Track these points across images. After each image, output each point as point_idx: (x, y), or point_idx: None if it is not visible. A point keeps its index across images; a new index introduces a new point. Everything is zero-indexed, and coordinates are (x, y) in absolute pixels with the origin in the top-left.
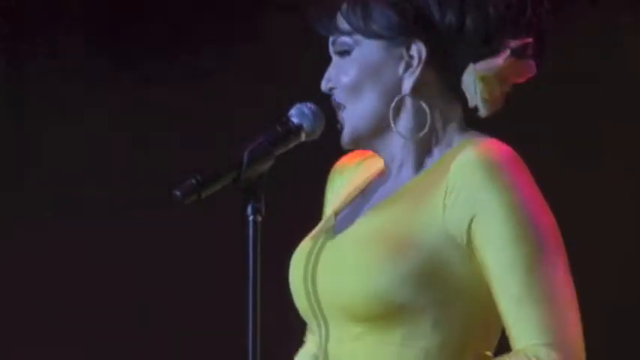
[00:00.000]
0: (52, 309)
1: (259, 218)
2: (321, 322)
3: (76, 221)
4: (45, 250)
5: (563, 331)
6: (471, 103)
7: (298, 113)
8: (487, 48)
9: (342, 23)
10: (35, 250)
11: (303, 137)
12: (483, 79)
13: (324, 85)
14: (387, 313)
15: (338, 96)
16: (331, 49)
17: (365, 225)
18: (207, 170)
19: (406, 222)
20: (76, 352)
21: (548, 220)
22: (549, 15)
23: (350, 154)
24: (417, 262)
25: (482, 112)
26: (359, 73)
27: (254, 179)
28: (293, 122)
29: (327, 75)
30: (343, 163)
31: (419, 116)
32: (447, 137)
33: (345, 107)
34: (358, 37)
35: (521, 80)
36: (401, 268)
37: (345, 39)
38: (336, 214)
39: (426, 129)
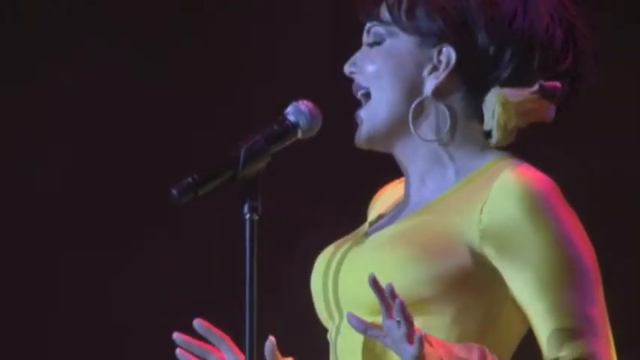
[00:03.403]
0: (43, 309)
1: (256, 217)
2: (336, 317)
3: (72, 220)
4: (40, 251)
5: (602, 358)
6: (487, 126)
7: (295, 111)
8: (518, 79)
9: (384, 12)
10: (27, 250)
11: (299, 135)
12: (504, 105)
13: (347, 69)
14: (409, 307)
15: (359, 80)
16: (364, 38)
17: (394, 229)
18: (204, 169)
19: (436, 229)
20: (72, 352)
21: (590, 254)
22: (592, 69)
23: (386, 185)
24: (439, 268)
25: (494, 139)
26: (385, 62)
27: (250, 177)
28: (290, 120)
29: (352, 59)
30: (382, 190)
31: (439, 120)
32: (472, 150)
33: (367, 95)
34: (395, 29)
35: (536, 120)
36: (423, 272)
37: (380, 30)
38: (371, 224)
39: (446, 129)
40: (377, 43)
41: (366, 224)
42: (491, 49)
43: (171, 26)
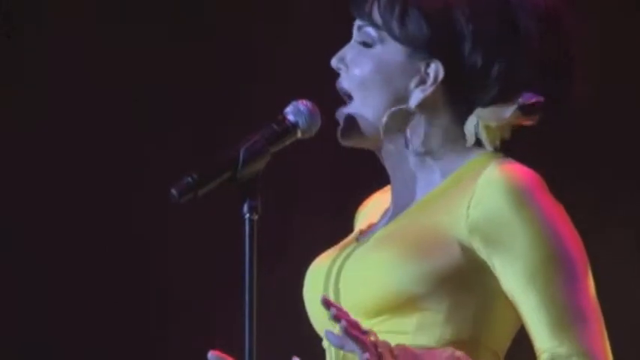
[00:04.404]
0: (44, 310)
1: (255, 216)
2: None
3: (72, 220)
4: (40, 253)
5: (597, 350)
6: (470, 143)
7: (294, 111)
8: (500, 95)
9: (376, 15)
10: (29, 253)
11: (299, 135)
12: (487, 127)
13: (335, 63)
14: (402, 305)
15: (344, 81)
16: (355, 34)
17: (382, 232)
18: (204, 169)
19: (423, 228)
20: (72, 353)
21: (576, 245)
22: (579, 79)
23: (371, 195)
24: (429, 266)
25: (486, 148)
26: (373, 70)
27: (250, 177)
28: (289, 120)
29: (340, 54)
30: (367, 200)
31: (430, 129)
32: (457, 151)
33: (349, 97)
34: (385, 34)
35: (519, 124)
36: (412, 270)
37: (371, 31)
38: (361, 232)
39: (434, 146)
40: (366, 44)
41: (356, 233)
42: (478, 63)
43: (172, 26)
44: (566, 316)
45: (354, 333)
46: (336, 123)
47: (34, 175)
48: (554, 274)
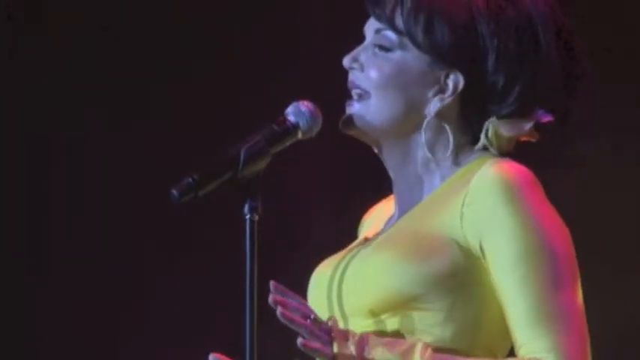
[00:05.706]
0: (47, 312)
1: (256, 217)
2: (342, 324)
3: (73, 219)
4: (43, 250)
5: (571, 349)
6: (480, 146)
7: (295, 111)
8: (517, 111)
9: (399, 21)
10: (32, 250)
11: (299, 136)
12: (499, 137)
13: (348, 62)
14: (402, 305)
15: (360, 80)
16: (371, 35)
17: (383, 236)
18: (204, 169)
19: (421, 231)
20: (70, 352)
21: (563, 244)
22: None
23: (376, 204)
24: (427, 267)
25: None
26: (392, 75)
27: (251, 178)
28: (290, 121)
29: (354, 54)
30: (371, 209)
31: (439, 136)
32: (457, 155)
33: (364, 94)
34: (406, 41)
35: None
36: (410, 271)
37: (392, 36)
38: (367, 239)
39: (449, 152)
40: (385, 48)
41: (361, 239)
42: (500, 82)
43: (174, 26)
44: (544, 313)
45: (293, 318)
46: (338, 119)
47: (33, 176)
48: (535, 268)
